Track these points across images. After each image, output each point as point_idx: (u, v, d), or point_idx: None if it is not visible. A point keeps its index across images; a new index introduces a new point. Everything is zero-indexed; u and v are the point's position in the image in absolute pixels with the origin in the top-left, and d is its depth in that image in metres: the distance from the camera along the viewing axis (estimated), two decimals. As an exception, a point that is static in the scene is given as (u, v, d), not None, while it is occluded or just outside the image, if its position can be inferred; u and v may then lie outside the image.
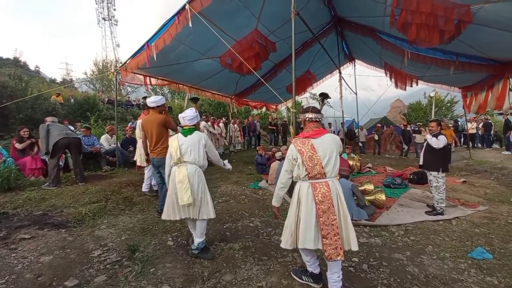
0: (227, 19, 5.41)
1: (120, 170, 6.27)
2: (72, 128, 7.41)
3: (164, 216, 2.87)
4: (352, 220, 3.81)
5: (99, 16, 38.82)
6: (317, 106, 2.57)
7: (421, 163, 4.52)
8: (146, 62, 5.21)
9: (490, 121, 12.15)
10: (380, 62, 8.63)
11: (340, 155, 6.80)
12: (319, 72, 10.34)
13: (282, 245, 2.29)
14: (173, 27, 4.76)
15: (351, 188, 3.96)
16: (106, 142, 6.75)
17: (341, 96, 8.71)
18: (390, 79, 8.47)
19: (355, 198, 4.01)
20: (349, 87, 9.90)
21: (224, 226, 3.65)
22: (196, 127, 2.96)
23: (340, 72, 9.05)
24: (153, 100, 3.78)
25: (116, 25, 39.82)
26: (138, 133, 4.82)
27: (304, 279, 2.42)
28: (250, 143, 12.83)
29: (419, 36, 4.86)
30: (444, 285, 2.51)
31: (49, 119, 5.34)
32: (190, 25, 4.56)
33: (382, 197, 4.47)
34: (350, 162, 7.00)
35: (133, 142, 7.28)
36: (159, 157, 3.75)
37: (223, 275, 2.53)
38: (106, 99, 14.84)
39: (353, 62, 10.65)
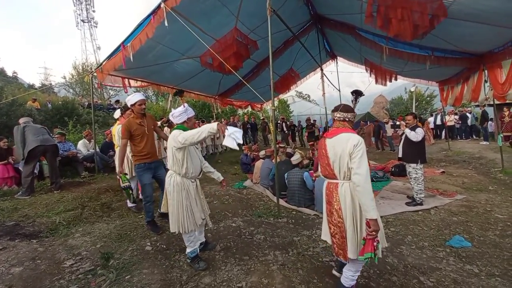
0: (205, 18, 5.33)
1: (99, 175, 6.06)
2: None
3: None
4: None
5: (77, 18, 37.60)
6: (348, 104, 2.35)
7: (400, 155, 4.60)
8: (122, 63, 5.06)
9: (466, 113, 12.56)
10: (361, 58, 8.74)
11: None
12: (302, 70, 10.37)
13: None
14: (149, 26, 4.63)
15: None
16: (83, 147, 6.49)
17: (324, 93, 8.78)
18: (370, 75, 8.60)
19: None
20: (332, 84, 10.00)
21: (206, 228, 3.56)
22: (182, 126, 2.56)
23: (321, 70, 9.11)
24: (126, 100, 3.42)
25: (96, 27, 38.71)
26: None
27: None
28: None
29: (394, 32, 4.95)
30: (422, 274, 2.54)
31: (22, 120, 5.03)
32: (166, 24, 4.45)
33: (364, 191, 4.51)
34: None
35: (113, 146, 7.06)
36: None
37: (202, 277, 2.47)
38: (87, 103, 14.36)
39: (335, 59, 10.75)
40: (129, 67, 5.47)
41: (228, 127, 2.22)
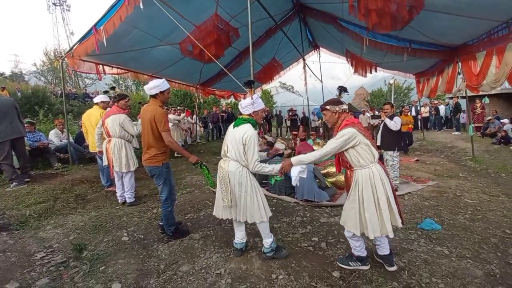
0: (184, 1, 5.11)
1: (74, 167, 5.79)
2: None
3: (214, 212, 2.63)
4: (314, 201, 3.93)
5: (49, 1, 35.06)
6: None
7: (378, 143, 4.74)
8: (95, 48, 4.77)
9: (439, 105, 13.14)
10: (342, 49, 8.82)
11: (305, 140, 6.76)
12: (285, 60, 10.30)
13: (376, 235, 2.18)
14: (122, 8, 4.36)
15: (312, 171, 4.04)
16: (56, 137, 6.14)
17: (306, 83, 8.82)
18: (351, 65, 8.72)
19: (317, 180, 4.10)
20: (314, 75, 10.06)
21: (186, 217, 3.53)
22: (251, 118, 2.46)
23: (304, 60, 9.10)
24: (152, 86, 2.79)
25: (69, 10, 36.25)
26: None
27: (352, 264, 2.45)
28: (212, 135, 12.30)
29: (375, 22, 5.00)
30: (395, 255, 2.63)
31: None
32: (141, 6, 4.22)
33: (343, 178, 4.62)
34: (315, 147, 7.17)
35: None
36: (151, 166, 2.83)
37: (181, 266, 2.44)
38: (60, 92, 13.59)
39: (317, 49, 10.78)
40: (104, 53, 5.18)
41: (292, 169, 2.43)
